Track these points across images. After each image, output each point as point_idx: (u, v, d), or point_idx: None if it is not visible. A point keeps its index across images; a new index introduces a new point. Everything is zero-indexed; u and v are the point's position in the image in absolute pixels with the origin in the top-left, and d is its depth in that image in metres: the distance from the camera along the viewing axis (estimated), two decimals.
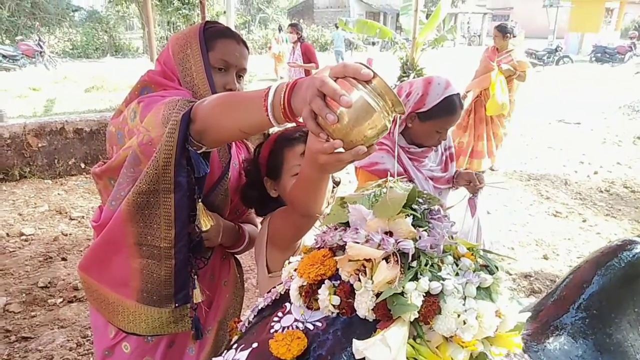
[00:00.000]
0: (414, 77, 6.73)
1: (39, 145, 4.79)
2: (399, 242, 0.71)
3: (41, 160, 4.84)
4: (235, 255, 1.45)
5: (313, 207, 0.99)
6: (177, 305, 1.09)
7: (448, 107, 1.59)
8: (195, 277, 1.15)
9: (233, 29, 1.37)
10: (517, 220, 4.12)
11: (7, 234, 3.67)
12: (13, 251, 3.43)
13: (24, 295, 2.88)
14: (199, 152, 0.97)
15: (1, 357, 2.35)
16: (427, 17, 7.69)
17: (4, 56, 13.38)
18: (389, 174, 0.87)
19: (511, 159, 5.84)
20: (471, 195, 1.86)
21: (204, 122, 0.91)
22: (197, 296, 1.15)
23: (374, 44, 18.89)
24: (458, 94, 1.62)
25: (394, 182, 0.80)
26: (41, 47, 14.08)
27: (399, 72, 7.42)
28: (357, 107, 0.67)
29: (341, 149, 0.71)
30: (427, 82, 1.63)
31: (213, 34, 1.21)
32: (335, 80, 0.68)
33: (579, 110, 9.04)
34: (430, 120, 1.62)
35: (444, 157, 1.85)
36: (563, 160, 5.90)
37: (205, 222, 1.06)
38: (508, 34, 4.77)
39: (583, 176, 5.34)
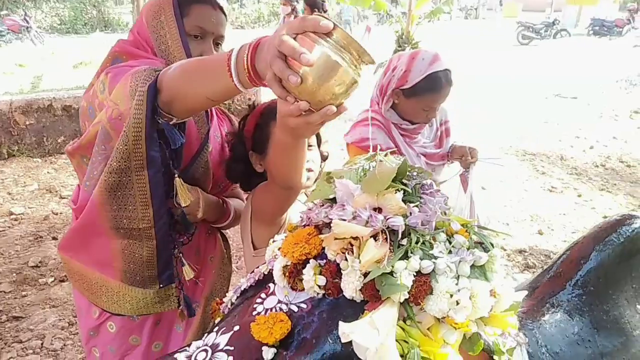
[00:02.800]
0: None
1: (27, 123, 4.68)
2: (388, 218, 0.67)
3: (29, 139, 4.74)
4: (222, 232, 1.42)
5: (291, 178, 0.95)
6: (161, 286, 1.07)
7: (431, 84, 1.52)
8: (181, 254, 1.12)
9: (226, 2, 1.30)
10: (512, 195, 4.11)
11: None
12: (2, 230, 3.39)
13: (14, 274, 2.85)
14: (170, 123, 0.91)
15: None
16: None
17: None
18: (379, 148, 0.82)
19: (507, 134, 5.80)
20: (464, 170, 1.81)
21: (170, 92, 0.86)
22: (188, 272, 1.13)
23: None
24: (446, 70, 1.53)
25: (384, 155, 0.76)
26: (27, 22, 13.71)
27: (394, 46, 7.28)
28: (321, 64, 0.62)
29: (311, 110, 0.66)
30: (411, 57, 1.55)
31: None
32: (295, 38, 0.63)
33: (576, 85, 8.95)
34: (414, 97, 1.56)
35: (439, 133, 1.79)
36: (559, 135, 5.86)
37: (185, 197, 1.02)
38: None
39: (579, 151, 5.32)
